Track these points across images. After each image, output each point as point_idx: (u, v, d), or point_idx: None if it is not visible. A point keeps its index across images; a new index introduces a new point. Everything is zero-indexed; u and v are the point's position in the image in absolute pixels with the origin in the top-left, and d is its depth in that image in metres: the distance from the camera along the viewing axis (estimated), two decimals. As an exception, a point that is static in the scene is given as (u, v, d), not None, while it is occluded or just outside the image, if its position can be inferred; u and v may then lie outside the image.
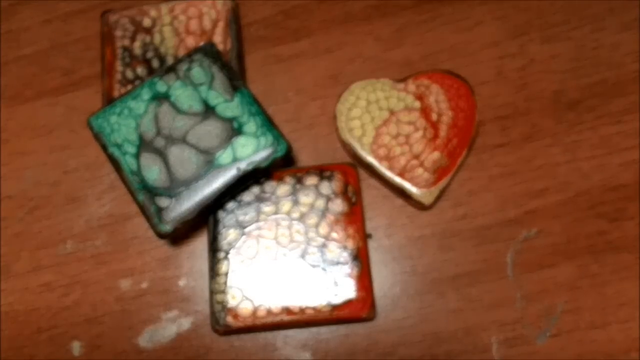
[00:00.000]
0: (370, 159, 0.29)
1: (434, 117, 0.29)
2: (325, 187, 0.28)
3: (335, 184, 0.28)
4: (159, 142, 0.27)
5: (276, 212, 0.28)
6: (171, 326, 0.28)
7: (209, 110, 0.27)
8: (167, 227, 0.26)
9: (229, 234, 0.28)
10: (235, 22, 0.31)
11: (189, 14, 0.31)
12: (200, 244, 0.29)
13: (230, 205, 0.28)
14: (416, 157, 0.28)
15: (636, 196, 0.29)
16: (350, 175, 0.28)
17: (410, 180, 0.28)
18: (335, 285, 0.27)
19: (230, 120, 0.27)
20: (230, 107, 0.27)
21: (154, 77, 0.27)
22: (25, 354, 0.28)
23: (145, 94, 0.27)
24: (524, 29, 0.31)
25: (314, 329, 0.28)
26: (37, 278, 0.29)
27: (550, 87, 0.30)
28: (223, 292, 0.27)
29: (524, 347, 0.27)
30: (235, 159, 0.26)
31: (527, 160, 0.29)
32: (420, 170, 0.28)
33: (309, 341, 0.28)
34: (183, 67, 0.27)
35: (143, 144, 0.27)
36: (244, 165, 0.26)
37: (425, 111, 0.29)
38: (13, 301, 0.29)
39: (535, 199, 0.29)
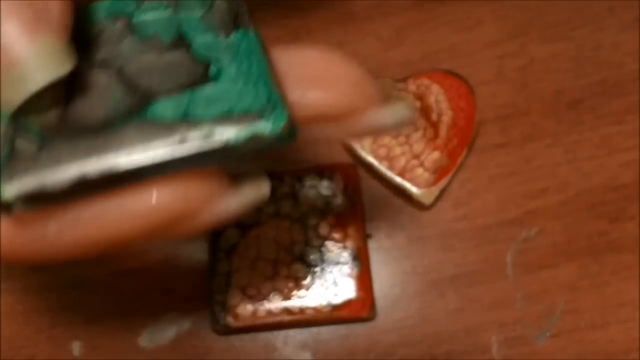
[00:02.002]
0: (370, 159, 0.28)
1: (434, 117, 0.29)
2: (325, 187, 0.28)
3: (335, 184, 0.28)
4: (80, 65, 0.15)
5: (276, 212, 0.28)
6: (171, 326, 0.28)
7: (180, 42, 0.16)
8: (7, 189, 0.14)
9: (229, 234, 0.28)
10: None
11: None
12: (200, 244, 0.29)
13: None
14: (416, 157, 0.28)
15: (637, 196, 0.29)
16: (350, 175, 0.28)
17: (410, 180, 0.28)
18: (335, 285, 0.27)
19: (206, 61, 0.15)
20: (216, 45, 0.16)
21: None
22: (25, 354, 0.28)
23: (103, 9, 0.17)
24: (524, 29, 0.31)
25: (314, 329, 0.28)
26: (37, 278, 0.29)
27: (551, 87, 0.30)
28: (223, 292, 0.27)
29: (524, 347, 0.27)
30: (185, 115, 0.14)
31: (528, 160, 0.29)
32: (420, 170, 0.28)
33: (309, 341, 0.28)
34: None
35: None
36: (193, 131, 0.14)
37: (425, 111, 0.29)
38: (13, 301, 0.29)
39: (536, 199, 0.29)
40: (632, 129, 0.30)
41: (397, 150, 0.28)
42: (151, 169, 0.14)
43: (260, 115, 0.14)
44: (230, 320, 0.27)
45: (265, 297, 0.27)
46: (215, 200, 0.15)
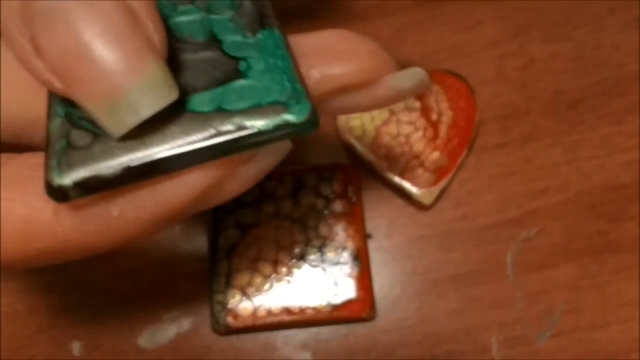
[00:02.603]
0: (370, 159, 0.28)
1: (434, 117, 0.29)
2: (325, 188, 0.28)
3: (335, 184, 0.28)
4: None
5: (276, 212, 0.28)
6: (171, 326, 0.28)
7: (213, 42, 0.17)
8: (64, 179, 0.15)
9: (229, 234, 0.28)
10: None
11: None
12: (200, 244, 0.29)
13: (231, 205, 0.28)
14: (416, 157, 0.28)
15: (637, 196, 0.29)
16: (350, 175, 0.28)
17: (410, 180, 0.28)
18: (335, 285, 0.27)
19: (237, 59, 0.17)
20: (245, 44, 0.17)
21: None
22: (24, 354, 0.28)
23: None
24: (524, 29, 0.31)
25: (314, 329, 0.28)
26: (37, 278, 0.29)
27: (551, 87, 0.30)
28: (223, 292, 0.27)
29: (524, 347, 0.27)
30: (218, 108, 0.16)
31: (527, 160, 0.29)
32: (420, 170, 0.28)
33: (309, 341, 0.28)
34: None
35: None
36: (228, 122, 0.16)
37: (425, 111, 0.29)
38: (13, 301, 0.29)
39: (536, 199, 0.29)
40: (632, 129, 0.30)
41: (397, 150, 0.28)
42: (191, 158, 0.15)
43: (286, 106, 0.16)
44: (230, 320, 0.27)
45: (265, 297, 0.27)
46: (242, 169, 0.17)
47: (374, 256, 0.29)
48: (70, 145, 0.15)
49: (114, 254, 0.29)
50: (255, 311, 0.27)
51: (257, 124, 0.16)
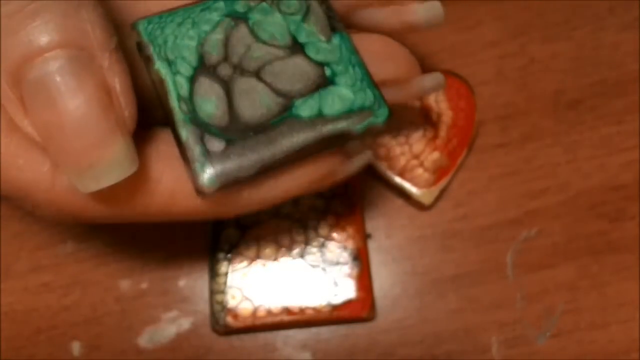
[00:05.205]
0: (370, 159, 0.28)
1: (434, 117, 0.29)
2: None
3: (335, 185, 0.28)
4: (224, 70, 0.20)
5: (276, 212, 0.28)
6: (171, 326, 0.28)
7: (296, 46, 0.20)
8: (212, 179, 0.18)
9: (229, 234, 0.28)
10: None
11: None
12: (200, 244, 0.29)
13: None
14: (416, 157, 0.28)
15: (637, 196, 0.29)
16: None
17: (410, 180, 0.28)
18: (335, 286, 0.27)
19: (321, 64, 0.20)
20: (324, 49, 0.20)
21: None
22: (24, 354, 0.28)
23: (218, 9, 0.20)
24: (524, 29, 0.31)
25: (314, 329, 0.28)
26: (37, 278, 0.29)
27: (551, 87, 0.30)
28: (223, 292, 0.27)
29: (524, 347, 0.27)
30: (319, 114, 0.19)
31: (527, 160, 0.29)
32: (420, 170, 0.28)
33: (309, 341, 0.28)
34: None
35: (202, 67, 0.20)
36: (329, 125, 0.19)
37: (425, 111, 0.29)
38: (13, 301, 0.29)
39: (536, 199, 0.29)
40: (632, 129, 0.30)
41: (397, 150, 0.28)
42: (303, 153, 0.19)
43: (371, 111, 0.19)
44: (230, 320, 0.27)
45: (265, 297, 0.27)
46: (343, 166, 0.21)
47: (373, 256, 0.29)
48: (207, 152, 0.18)
49: (114, 253, 0.30)
50: (255, 311, 0.27)
51: (352, 126, 0.19)
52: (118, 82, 0.17)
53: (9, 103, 0.17)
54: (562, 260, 0.28)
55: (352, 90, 0.20)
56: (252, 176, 0.19)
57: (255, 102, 0.19)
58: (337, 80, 0.20)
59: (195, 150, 0.18)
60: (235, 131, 0.19)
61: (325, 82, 0.20)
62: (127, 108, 0.17)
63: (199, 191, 0.18)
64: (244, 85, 0.19)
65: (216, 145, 0.18)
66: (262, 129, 0.19)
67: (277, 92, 0.19)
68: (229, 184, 0.18)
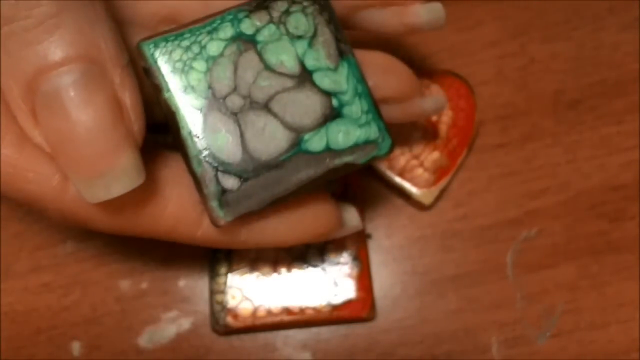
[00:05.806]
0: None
1: (434, 117, 0.29)
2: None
3: (335, 185, 0.28)
4: (234, 101, 0.19)
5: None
6: (171, 326, 0.28)
7: (304, 74, 0.20)
8: (227, 216, 0.19)
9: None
10: None
11: None
12: (200, 244, 0.29)
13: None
14: (416, 157, 0.28)
15: (637, 196, 0.29)
16: (350, 175, 0.28)
17: (410, 180, 0.28)
18: (335, 286, 0.27)
19: (329, 94, 0.20)
20: (332, 77, 0.20)
21: (240, 10, 0.20)
22: (24, 354, 0.28)
23: (225, 31, 0.20)
24: (524, 29, 0.31)
25: (314, 329, 0.28)
26: (37, 278, 0.29)
27: (551, 87, 0.30)
28: (223, 292, 0.27)
29: (524, 347, 0.27)
30: (327, 148, 0.20)
31: (527, 160, 0.29)
32: (420, 170, 0.28)
33: (309, 341, 0.28)
34: (280, 7, 0.20)
35: (212, 98, 0.19)
36: (336, 159, 0.20)
37: (425, 111, 0.29)
38: (13, 301, 0.29)
39: (536, 199, 0.29)
40: (632, 129, 0.30)
41: (397, 150, 0.28)
42: (310, 185, 0.20)
43: (376, 144, 0.20)
44: (230, 320, 0.27)
45: (265, 297, 0.27)
46: (337, 231, 0.23)
47: (373, 256, 0.29)
48: (223, 190, 0.19)
49: (114, 253, 0.30)
50: (255, 311, 0.27)
51: (357, 160, 0.20)
52: (128, 97, 0.17)
53: (20, 113, 0.17)
54: (562, 260, 0.28)
55: (358, 124, 0.20)
56: (262, 209, 0.20)
57: (266, 138, 0.20)
58: (344, 112, 0.20)
59: (210, 187, 0.19)
60: (248, 168, 0.19)
61: (332, 114, 0.20)
62: (136, 122, 0.18)
63: (215, 223, 0.20)
64: (255, 119, 0.20)
65: (230, 182, 0.19)
66: (274, 165, 0.20)
67: (287, 127, 0.20)
68: (242, 215, 0.20)
